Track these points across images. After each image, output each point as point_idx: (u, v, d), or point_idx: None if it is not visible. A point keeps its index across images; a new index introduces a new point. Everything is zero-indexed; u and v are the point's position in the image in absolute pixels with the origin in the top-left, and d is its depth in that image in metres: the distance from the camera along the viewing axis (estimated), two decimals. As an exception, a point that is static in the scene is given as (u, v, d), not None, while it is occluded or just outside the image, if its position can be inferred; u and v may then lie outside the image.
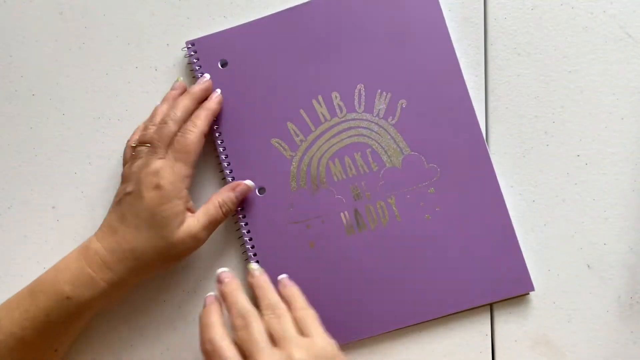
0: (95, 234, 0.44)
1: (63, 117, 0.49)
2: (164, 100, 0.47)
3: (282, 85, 0.47)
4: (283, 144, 0.47)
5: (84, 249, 0.43)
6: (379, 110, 0.46)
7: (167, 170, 0.43)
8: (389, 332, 0.46)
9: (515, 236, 0.45)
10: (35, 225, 0.49)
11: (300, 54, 0.47)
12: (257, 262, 0.46)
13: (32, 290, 0.43)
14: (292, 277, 0.45)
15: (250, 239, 0.46)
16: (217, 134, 0.47)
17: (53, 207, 0.49)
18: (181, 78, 0.48)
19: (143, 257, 0.42)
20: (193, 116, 0.45)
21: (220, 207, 0.45)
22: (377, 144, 0.46)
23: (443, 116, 0.46)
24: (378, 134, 0.46)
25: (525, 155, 0.47)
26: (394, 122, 0.46)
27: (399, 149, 0.46)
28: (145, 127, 0.45)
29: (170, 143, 0.44)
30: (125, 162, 0.46)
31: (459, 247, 0.45)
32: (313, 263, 0.46)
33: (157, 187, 0.42)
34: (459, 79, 0.46)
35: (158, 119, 0.45)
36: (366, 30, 0.47)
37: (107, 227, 0.44)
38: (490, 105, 0.47)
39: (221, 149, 0.47)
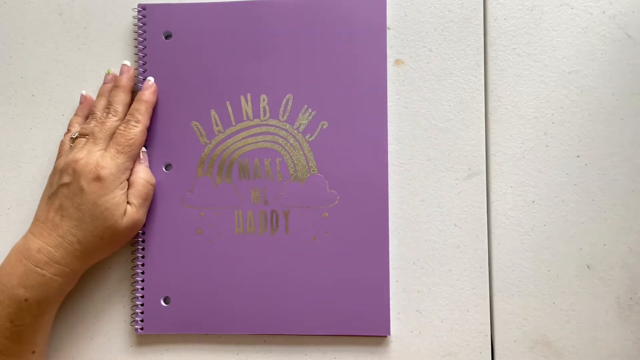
0: (31, 231, 0.43)
1: (63, 118, 0.50)
2: (99, 94, 0.48)
3: (217, 72, 0.48)
4: (201, 129, 0.47)
5: (24, 250, 0.42)
6: (300, 124, 0.47)
7: (108, 162, 0.43)
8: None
9: (387, 280, 0.45)
10: (35, 226, 0.49)
11: (243, 48, 0.48)
12: (144, 232, 0.47)
13: None
14: (171, 255, 0.47)
15: None
16: None
17: (53, 208, 0.49)
18: (111, 69, 0.48)
19: (91, 246, 0.43)
20: (134, 109, 0.46)
21: (148, 182, 0.46)
22: (288, 156, 0.47)
23: (357, 149, 0.46)
24: (292, 146, 0.47)
25: (525, 155, 0.47)
26: (310, 139, 0.47)
27: (307, 167, 0.47)
28: (88, 122, 0.46)
29: (111, 136, 0.45)
30: (60, 155, 0.46)
31: (333, 275, 0.46)
32: (194, 249, 0.47)
33: (98, 178, 0.43)
34: (383, 117, 0.46)
35: (99, 113, 0.46)
36: (313, 45, 0.47)
37: (45, 222, 0.43)
38: (490, 105, 0.47)
39: None
